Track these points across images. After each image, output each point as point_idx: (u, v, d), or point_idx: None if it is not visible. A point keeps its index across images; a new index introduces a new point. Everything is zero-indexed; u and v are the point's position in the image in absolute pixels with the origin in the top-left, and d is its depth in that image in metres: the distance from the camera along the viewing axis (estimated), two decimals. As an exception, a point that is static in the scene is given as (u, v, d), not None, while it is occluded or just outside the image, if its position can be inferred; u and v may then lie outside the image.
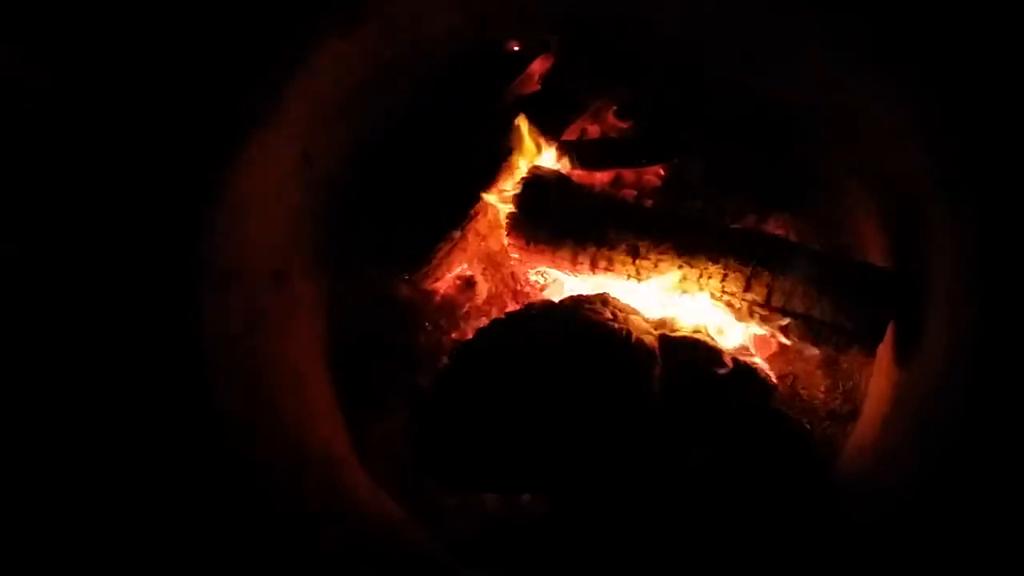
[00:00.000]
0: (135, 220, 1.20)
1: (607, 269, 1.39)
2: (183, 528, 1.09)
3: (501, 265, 1.50)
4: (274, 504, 1.22)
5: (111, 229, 1.18)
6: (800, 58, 1.38)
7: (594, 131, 1.57)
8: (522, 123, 1.50)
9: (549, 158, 1.52)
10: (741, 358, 1.29)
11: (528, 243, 1.42)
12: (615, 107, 1.55)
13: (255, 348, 1.33)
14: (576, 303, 1.32)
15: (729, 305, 1.32)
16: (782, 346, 1.38)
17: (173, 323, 1.21)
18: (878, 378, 1.38)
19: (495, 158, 1.50)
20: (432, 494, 1.36)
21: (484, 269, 1.50)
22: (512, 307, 1.46)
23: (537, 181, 1.43)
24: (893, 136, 1.29)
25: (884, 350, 1.32)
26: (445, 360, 1.38)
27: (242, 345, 1.31)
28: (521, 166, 1.50)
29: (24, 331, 1.12)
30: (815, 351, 1.34)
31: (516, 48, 1.58)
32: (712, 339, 1.31)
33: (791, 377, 1.41)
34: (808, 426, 1.37)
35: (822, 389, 1.41)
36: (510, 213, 1.42)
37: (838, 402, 1.41)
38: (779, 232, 1.42)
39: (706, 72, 1.51)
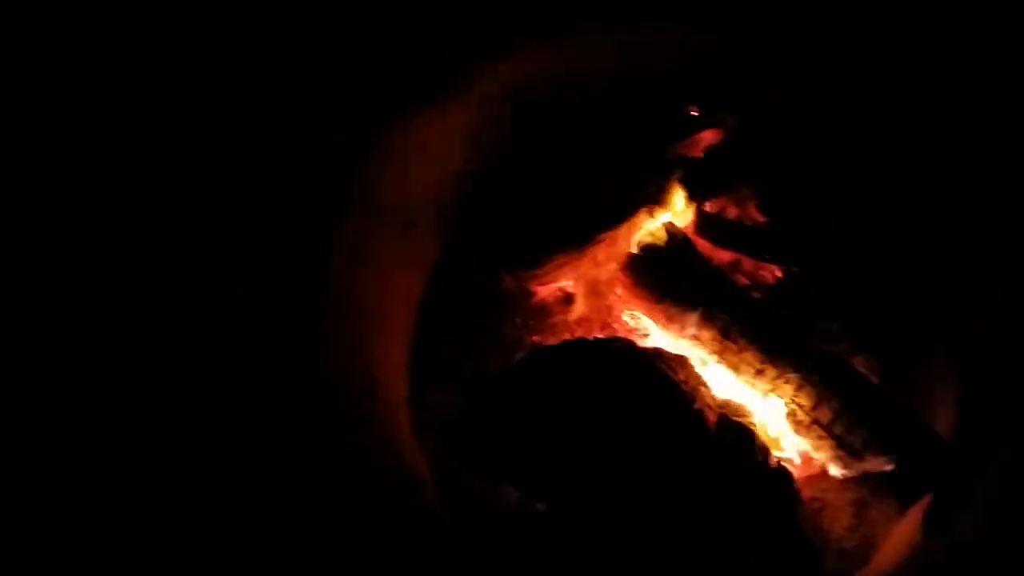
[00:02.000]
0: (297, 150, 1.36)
1: (694, 338, 1.47)
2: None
3: (603, 296, 1.59)
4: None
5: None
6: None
7: (732, 213, 1.65)
8: (677, 179, 1.60)
9: (684, 220, 1.61)
10: (784, 465, 1.36)
11: (636, 285, 1.52)
12: (759, 200, 1.62)
13: (364, 275, 1.46)
14: (656, 354, 1.40)
15: (792, 415, 1.40)
16: (823, 472, 1.43)
17: (306, 237, 1.36)
18: (897, 536, 1.41)
19: (639, 199, 1.59)
20: (461, 472, 1.42)
21: (586, 292, 1.59)
22: (598, 334, 1.54)
23: (666, 236, 1.53)
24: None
25: (915, 513, 1.37)
26: (519, 356, 1.49)
27: (354, 270, 1.44)
28: (658, 217, 1.59)
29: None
30: (851, 490, 1.39)
31: (694, 113, 1.67)
32: (766, 436, 1.38)
33: (820, 504, 1.45)
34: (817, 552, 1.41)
35: (844, 526, 1.44)
36: (631, 254, 1.53)
37: (854, 544, 1.43)
38: (862, 371, 1.46)
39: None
